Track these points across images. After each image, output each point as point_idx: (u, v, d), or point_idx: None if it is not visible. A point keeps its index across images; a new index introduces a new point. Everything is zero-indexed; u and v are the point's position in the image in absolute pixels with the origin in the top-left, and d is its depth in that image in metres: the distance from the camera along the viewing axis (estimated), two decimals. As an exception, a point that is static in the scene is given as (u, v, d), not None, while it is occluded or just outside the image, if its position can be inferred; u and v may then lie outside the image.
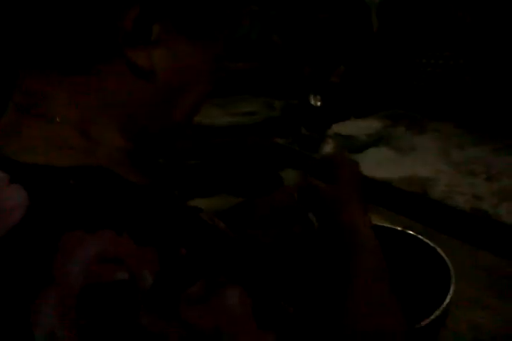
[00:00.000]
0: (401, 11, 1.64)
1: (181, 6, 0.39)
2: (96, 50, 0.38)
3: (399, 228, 0.74)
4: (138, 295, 0.32)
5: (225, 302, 0.34)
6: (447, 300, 0.61)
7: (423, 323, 0.58)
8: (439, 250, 0.69)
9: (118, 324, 0.32)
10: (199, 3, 0.40)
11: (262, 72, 1.80)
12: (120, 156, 0.42)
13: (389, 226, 0.75)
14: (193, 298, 0.33)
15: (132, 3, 0.36)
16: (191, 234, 0.37)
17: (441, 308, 0.60)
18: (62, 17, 0.37)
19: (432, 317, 0.58)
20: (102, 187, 0.37)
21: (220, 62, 0.45)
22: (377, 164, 1.21)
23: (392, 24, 1.67)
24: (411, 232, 0.73)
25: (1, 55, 0.41)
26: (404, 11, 1.63)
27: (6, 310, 0.33)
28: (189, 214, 0.40)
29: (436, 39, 1.53)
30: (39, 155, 0.38)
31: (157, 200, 0.39)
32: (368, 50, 1.73)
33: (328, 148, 0.67)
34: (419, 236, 0.72)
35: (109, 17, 0.37)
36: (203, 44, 0.42)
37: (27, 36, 0.39)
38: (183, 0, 0.39)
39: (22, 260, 0.34)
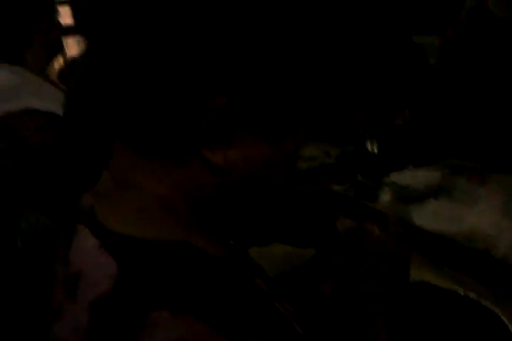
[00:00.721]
0: (460, 57, 1.62)
1: (257, 112, 0.40)
2: (175, 146, 0.40)
3: (458, 290, 0.71)
4: None
5: None
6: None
7: None
8: (501, 315, 0.66)
9: None
10: (273, 110, 0.41)
11: (317, 117, 1.81)
12: (200, 227, 0.44)
13: (446, 288, 0.72)
14: None
15: (210, 109, 0.38)
16: (264, 324, 0.38)
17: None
18: (151, 120, 0.39)
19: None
20: (185, 264, 0.39)
21: (298, 156, 0.46)
22: (435, 216, 1.17)
23: (453, 70, 1.64)
24: (471, 295, 0.70)
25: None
26: (464, 56, 1.61)
27: None
28: (263, 299, 0.42)
29: (499, 86, 1.50)
30: (129, 225, 0.41)
31: (234, 280, 0.41)
32: (429, 95, 1.71)
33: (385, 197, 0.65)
34: (480, 300, 0.68)
35: (189, 122, 0.39)
36: (277, 143, 0.43)
37: (119, 128, 0.42)
38: (259, 107, 0.40)
39: (107, 331, 0.35)
